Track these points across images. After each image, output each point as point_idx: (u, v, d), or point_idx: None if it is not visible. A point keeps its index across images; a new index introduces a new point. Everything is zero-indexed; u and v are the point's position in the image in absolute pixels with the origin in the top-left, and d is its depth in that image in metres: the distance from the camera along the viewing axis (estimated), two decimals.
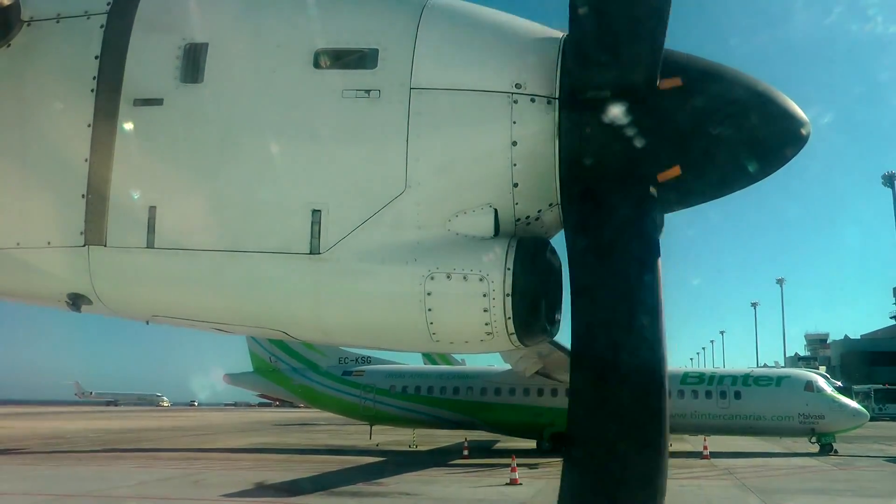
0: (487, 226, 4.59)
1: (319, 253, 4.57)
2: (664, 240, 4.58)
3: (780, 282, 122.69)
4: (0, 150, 4.92)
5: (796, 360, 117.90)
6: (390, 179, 4.54)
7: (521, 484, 23.86)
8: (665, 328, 4.25)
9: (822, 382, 37.72)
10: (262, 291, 4.80)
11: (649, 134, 4.46)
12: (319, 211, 4.57)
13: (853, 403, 38.83)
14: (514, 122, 4.49)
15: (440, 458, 35.36)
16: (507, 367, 36.84)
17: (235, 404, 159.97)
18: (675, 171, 4.55)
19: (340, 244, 4.56)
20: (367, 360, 42.03)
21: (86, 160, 4.73)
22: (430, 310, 4.57)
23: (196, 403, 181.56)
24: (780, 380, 37.65)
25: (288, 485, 24.16)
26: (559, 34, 4.68)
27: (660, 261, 4.41)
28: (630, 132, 4.40)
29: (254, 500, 22.02)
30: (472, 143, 4.58)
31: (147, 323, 5.55)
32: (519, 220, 4.69)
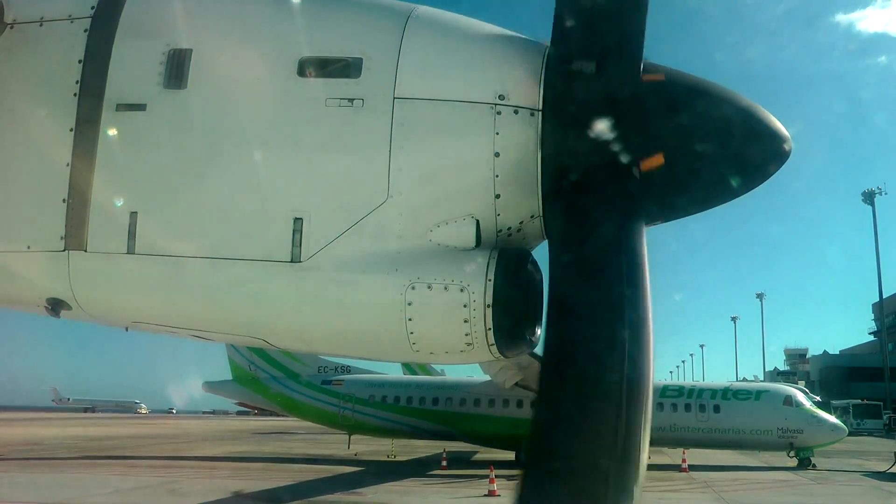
0: (469, 237, 4.59)
1: (301, 261, 4.55)
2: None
3: (760, 296, 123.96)
4: None
5: (775, 375, 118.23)
6: (373, 189, 4.53)
7: (499, 495, 23.73)
8: (653, 341, 4.18)
9: (801, 397, 37.83)
10: (243, 299, 4.78)
11: (632, 147, 4.47)
12: (301, 219, 4.55)
13: (832, 418, 38.92)
14: (497, 133, 4.49)
15: (419, 468, 35.19)
16: (487, 378, 36.74)
17: (214, 412, 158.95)
18: (659, 158, 4.53)
19: (322, 253, 4.55)
20: (347, 369, 41.86)
21: (67, 164, 4.69)
22: (410, 320, 4.55)
23: (174, 411, 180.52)
24: (759, 394, 37.77)
25: (265, 494, 24.05)
26: (543, 45, 4.69)
27: (647, 273, 4.38)
28: (613, 145, 4.41)
29: None
30: (455, 153, 4.58)
31: (126, 329, 5.50)
32: (501, 231, 4.68)
